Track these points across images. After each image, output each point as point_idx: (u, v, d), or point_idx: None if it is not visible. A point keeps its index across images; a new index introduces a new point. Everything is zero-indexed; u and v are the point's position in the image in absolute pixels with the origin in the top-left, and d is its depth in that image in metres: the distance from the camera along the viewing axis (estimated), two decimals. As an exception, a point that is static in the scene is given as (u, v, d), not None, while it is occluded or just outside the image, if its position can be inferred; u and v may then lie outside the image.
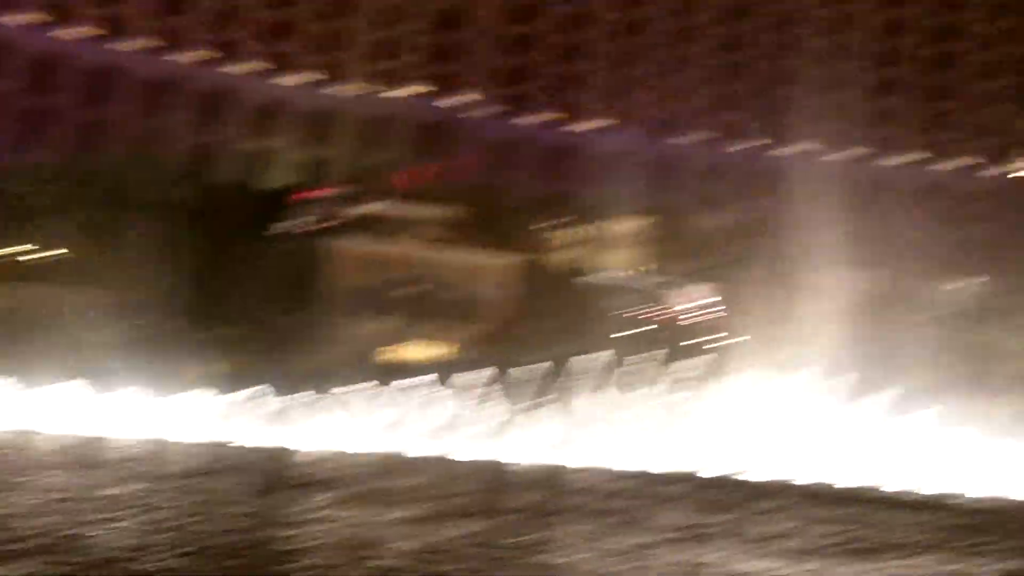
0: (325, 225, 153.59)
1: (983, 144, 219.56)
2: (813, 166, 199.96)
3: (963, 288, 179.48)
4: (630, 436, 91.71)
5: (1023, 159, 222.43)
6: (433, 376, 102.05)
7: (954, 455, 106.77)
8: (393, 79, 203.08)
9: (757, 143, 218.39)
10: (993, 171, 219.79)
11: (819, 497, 74.97)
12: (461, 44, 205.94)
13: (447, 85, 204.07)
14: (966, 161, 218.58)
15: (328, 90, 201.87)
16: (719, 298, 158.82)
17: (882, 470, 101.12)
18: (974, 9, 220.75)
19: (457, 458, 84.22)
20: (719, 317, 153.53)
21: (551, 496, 63.40)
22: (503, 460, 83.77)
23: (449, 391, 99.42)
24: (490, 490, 65.31)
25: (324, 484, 61.76)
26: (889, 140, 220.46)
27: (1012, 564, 49.17)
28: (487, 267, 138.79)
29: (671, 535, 49.74)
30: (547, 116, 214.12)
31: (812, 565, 44.35)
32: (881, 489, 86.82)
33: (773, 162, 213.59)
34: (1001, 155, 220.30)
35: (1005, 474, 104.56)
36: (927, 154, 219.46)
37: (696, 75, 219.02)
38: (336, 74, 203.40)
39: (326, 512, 50.07)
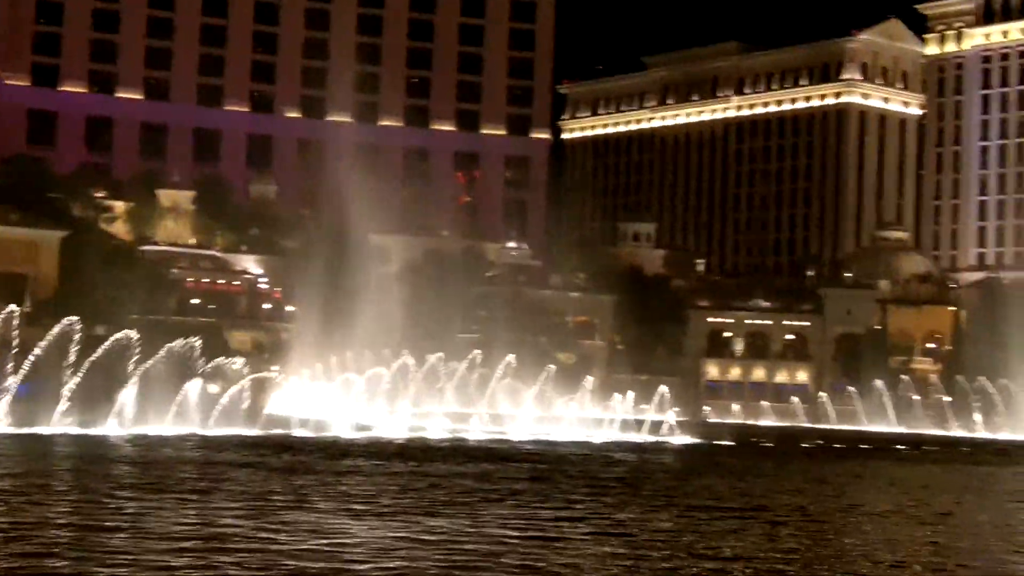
0: None
1: (513, 112, 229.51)
2: (351, 135, 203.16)
3: (514, 249, 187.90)
4: (198, 405, 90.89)
5: (542, 129, 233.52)
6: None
7: (515, 407, 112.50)
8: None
9: (296, 114, 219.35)
10: (530, 137, 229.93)
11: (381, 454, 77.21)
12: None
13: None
14: (499, 130, 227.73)
15: None
16: (271, 268, 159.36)
17: (447, 425, 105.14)
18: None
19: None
20: (271, 287, 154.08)
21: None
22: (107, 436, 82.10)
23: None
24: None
25: None
26: (422, 110, 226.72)
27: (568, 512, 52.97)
28: (31, 240, 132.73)
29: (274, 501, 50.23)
30: (83, 87, 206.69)
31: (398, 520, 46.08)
32: (443, 443, 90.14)
33: (314, 132, 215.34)
34: (532, 125, 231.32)
35: (554, 423, 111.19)
36: (460, 123, 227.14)
37: (233, 46, 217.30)
38: None
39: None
